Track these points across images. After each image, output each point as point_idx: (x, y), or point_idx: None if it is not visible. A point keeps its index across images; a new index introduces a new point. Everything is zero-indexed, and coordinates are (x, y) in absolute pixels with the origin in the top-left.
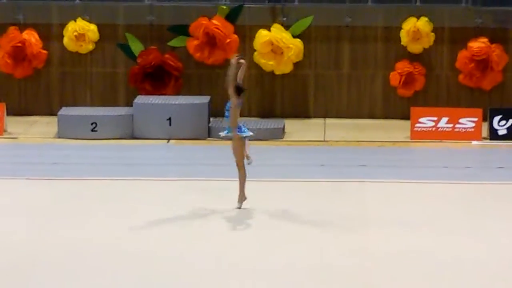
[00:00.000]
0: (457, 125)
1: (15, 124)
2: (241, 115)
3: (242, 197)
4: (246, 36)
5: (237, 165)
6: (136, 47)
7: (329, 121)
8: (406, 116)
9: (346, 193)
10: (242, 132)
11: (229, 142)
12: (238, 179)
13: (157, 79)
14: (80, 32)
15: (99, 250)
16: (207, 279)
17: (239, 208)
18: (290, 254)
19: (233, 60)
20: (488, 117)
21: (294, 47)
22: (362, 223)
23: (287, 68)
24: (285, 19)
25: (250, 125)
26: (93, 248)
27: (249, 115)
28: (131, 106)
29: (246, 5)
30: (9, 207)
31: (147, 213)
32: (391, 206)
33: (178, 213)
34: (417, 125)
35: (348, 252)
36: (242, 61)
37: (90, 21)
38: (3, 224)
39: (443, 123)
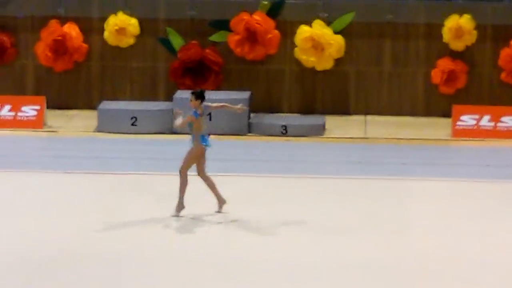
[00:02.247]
0: (499, 124)
1: (55, 117)
2: (282, 111)
3: (179, 206)
4: (287, 32)
5: (181, 171)
6: (177, 41)
7: (370, 118)
8: (447, 114)
9: (387, 191)
10: (206, 142)
11: (269, 137)
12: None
13: (197, 74)
14: (121, 26)
15: (136, 243)
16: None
17: (176, 216)
18: (333, 250)
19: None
20: None
21: (335, 43)
22: (403, 221)
23: (328, 64)
24: (326, 15)
25: (290, 121)
26: (130, 242)
27: (290, 111)
28: (171, 100)
29: (288, 1)
30: (49, 201)
31: (189, 209)
32: (432, 204)
33: (214, 207)
34: (459, 123)
35: (390, 249)
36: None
37: (131, 15)
38: (44, 217)
39: (485, 121)
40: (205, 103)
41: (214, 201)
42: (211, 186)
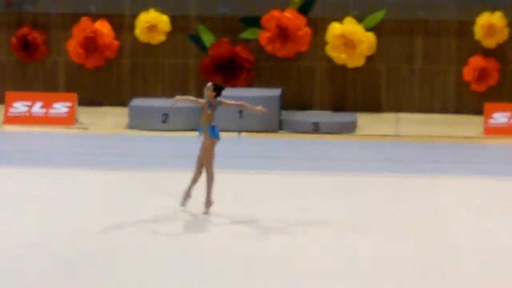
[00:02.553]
0: None
1: (86, 114)
2: (313, 108)
3: (209, 202)
4: (318, 29)
5: (206, 166)
6: (208, 38)
7: (401, 115)
8: (479, 112)
9: (418, 189)
10: (214, 133)
11: (300, 135)
12: (208, 182)
13: (228, 71)
14: (152, 23)
15: (165, 241)
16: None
17: (206, 213)
18: (362, 249)
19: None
20: None
21: (366, 40)
22: (436, 218)
23: (359, 61)
24: (357, 12)
25: (321, 118)
26: (162, 239)
27: (321, 108)
28: (202, 97)
29: None
30: (80, 197)
31: (216, 205)
32: (464, 202)
33: (249, 205)
34: (491, 120)
35: (422, 248)
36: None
37: (162, 12)
38: (74, 214)
39: None
40: (219, 98)
41: (238, 198)
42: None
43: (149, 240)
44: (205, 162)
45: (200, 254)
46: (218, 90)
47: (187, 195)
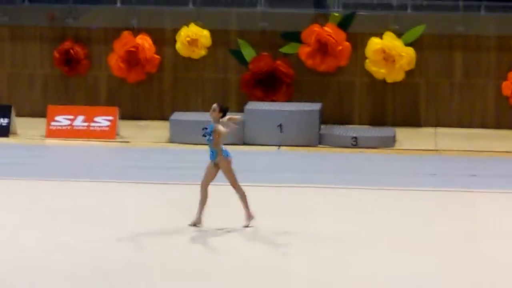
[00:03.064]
0: None
1: (127, 128)
2: (352, 123)
3: (249, 216)
4: (358, 44)
5: (233, 186)
6: (248, 53)
7: (440, 130)
8: None
9: (457, 203)
10: (227, 153)
11: (339, 149)
12: (242, 199)
13: (268, 85)
14: (193, 38)
15: (201, 253)
16: None
17: (247, 226)
18: (401, 263)
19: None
20: None
21: (406, 55)
22: (475, 234)
23: (398, 76)
24: (397, 27)
25: (361, 132)
26: (204, 252)
27: (360, 123)
28: (242, 112)
29: (359, 13)
30: (119, 210)
31: (257, 220)
32: (503, 217)
33: (287, 218)
34: None
35: (465, 261)
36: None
37: (203, 27)
38: (113, 226)
39: None
40: (216, 124)
41: (276, 212)
42: (203, 202)
43: (186, 252)
44: (231, 183)
45: (241, 266)
46: (224, 112)
47: (198, 221)
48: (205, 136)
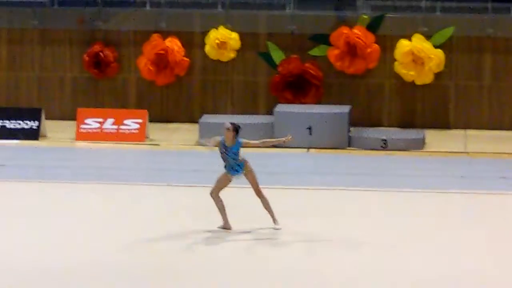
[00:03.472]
0: None
1: (156, 130)
2: (381, 125)
3: (275, 220)
4: (387, 46)
5: (257, 191)
6: (277, 55)
7: (470, 132)
8: None
9: (487, 206)
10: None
11: (369, 151)
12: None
13: (297, 88)
14: (222, 40)
15: (233, 255)
16: None
17: (277, 229)
18: (434, 264)
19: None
20: None
21: (435, 57)
22: (504, 236)
23: (427, 78)
24: (426, 29)
25: (390, 135)
26: (230, 254)
27: (389, 125)
28: (272, 114)
29: (387, 15)
30: (150, 212)
31: (286, 223)
32: None
33: (318, 222)
34: None
35: (492, 264)
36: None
37: (232, 29)
38: (145, 229)
39: None
40: (242, 139)
41: (306, 214)
42: (222, 208)
43: (213, 254)
44: (256, 191)
45: (275, 268)
46: (237, 131)
47: (227, 226)
48: (234, 160)
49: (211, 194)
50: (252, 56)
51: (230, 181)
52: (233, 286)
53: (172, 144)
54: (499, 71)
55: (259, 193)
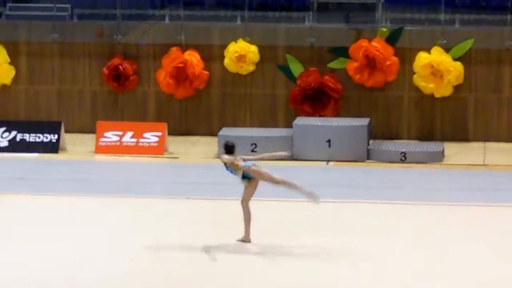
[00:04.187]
0: None
1: (176, 143)
2: (400, 138)
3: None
4: (405, 59)
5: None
6: (296, 68)
7: (489, 144)
8: None
9: (506, 218)
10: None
11: (388, 164)
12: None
13: (316, 100)
14: (241, 53)
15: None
16: None
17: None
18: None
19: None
20: None
21: (454, 70)
22: None
23: (447, 91)
24: (445, 41)
25: (409, 147)
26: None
27: (409, 138)
28: (291, 127)
29: (406, 28)
30: (169, 225)
31: (305, 236)
32: None
33: (337, 235)
34: None
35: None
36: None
37: (251, 42)
38: (164, 241)
39: None
40: (244, 159)
41: (324, 227)
42: (248, 219)
43: (233, 268)
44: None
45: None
46: (229, 150)
47: (247, 239)
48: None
49: (242, 203)
50: (271, 69)
51: (255, 187)
52: None
53: (191, 157)
54: None
55: (275, 181)
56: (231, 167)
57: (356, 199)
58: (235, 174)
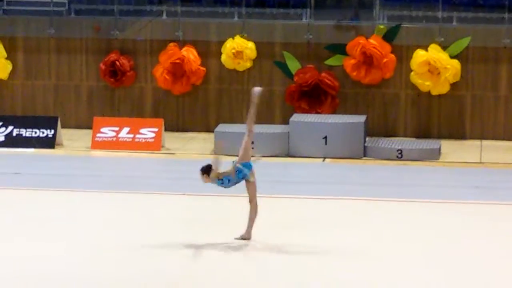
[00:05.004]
0: None
1: (172, 140)
2: (397, 135)
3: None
4: (403, 56)
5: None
6: (293, 65)
7: (486, 142)
8: None
9: (503, 217)
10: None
11: (384, 161)
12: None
13: (313, 97)
14: (238, 50)
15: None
16: None
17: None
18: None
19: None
20: None
21: (451, 67)
22: None
23: (444, 88)
24: (442, 39)
25: (406, 145)
26: (242, 264)
27: (405, 135)
28: (287, 124)
29: (404, 25)
30: (166, 221)
31: (301, 233)
32: None
33: (333, 232)
34: None
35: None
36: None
37: (248, 39)
38: (161, 237)
39: None
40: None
41: (320, 224)
42: (253, 217)
43: (231, 265)
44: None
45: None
46: (205, 171)
47: (248, 236)
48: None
49: (251, 203)
50: (268, 65)
51: (254, 183)
52: None
53: (188, 153)
54: None
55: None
56: (219, 178)
57: (352, 196)
58: (233, 181)
